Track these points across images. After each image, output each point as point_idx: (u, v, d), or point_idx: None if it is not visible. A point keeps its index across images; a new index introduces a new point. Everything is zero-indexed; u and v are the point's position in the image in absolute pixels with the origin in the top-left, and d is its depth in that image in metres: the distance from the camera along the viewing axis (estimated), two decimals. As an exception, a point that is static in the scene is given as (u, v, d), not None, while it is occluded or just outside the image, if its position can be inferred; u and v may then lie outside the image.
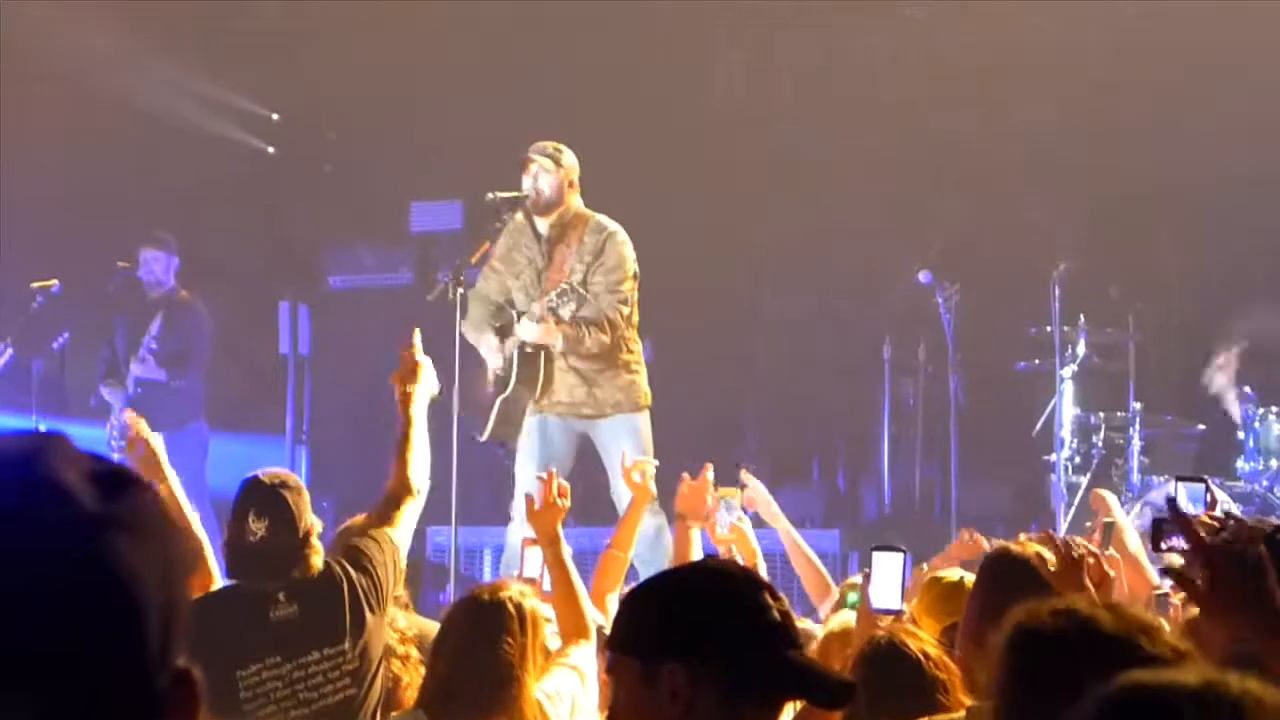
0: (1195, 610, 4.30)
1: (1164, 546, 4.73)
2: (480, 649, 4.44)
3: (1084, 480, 10.30)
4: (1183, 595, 4.94)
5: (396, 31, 12.41)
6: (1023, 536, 4.83)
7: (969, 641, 3.97)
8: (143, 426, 5.66)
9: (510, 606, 4.51)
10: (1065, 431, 10.50)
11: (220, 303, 11.58)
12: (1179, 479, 5.48)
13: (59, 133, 12.30)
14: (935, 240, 11.11)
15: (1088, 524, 6.51)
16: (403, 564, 5.25)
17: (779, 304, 12.51)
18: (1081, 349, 10.58)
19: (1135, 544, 6.27)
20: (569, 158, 8.58)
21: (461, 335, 8.36)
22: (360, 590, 5.00)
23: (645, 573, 5.78)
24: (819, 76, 12.46)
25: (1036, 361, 10.89)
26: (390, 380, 5.50)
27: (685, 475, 6.14)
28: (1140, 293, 11.38)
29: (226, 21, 12.59)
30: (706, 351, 12.05)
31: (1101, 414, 10.58)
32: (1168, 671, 1.63)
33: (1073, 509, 10.02)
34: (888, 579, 4.87)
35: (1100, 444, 10.52)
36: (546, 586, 5.23)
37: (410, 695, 4.94)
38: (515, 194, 8.55)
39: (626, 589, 5.25)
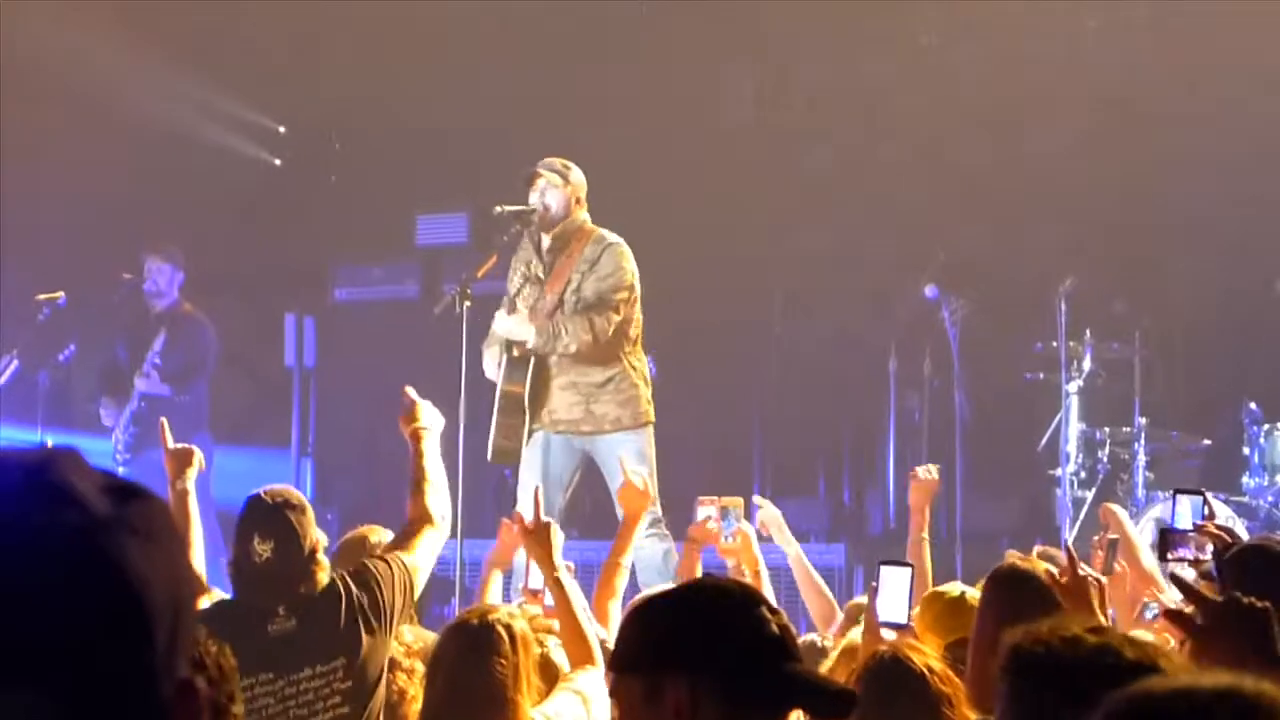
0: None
1: (1170, 557, 4.73)
2: (472, 672, 4.43)
3: (1089, 495, 10.30)
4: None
5: (403, 44, 12.42)
6: (1035, 551, 4.83)
7: (981, 657, 3.96)
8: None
9: (500, 628, 4.49)
10: (1070, 446, 10.50)
11: (226, 315, 11.59)
12: (1178, 491, 5.49)
13: (64, 145, 12.31)
14: (939, 253, 11.11)
15: (1094, 538, 6.49)
16: (417, 590, 5.23)
17: (788, 321, 12.51)
18: (1087, 364, 10.58)
19: (1150, 561, 6.24)
20: (577, 175, 8.58)
21: (466, 350, 8.36)
22: (360, 608, 4.98)
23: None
24: (832, 100, 12.47)
25: (1042, 376, 10.89)
26: (400, 427, 5.53)
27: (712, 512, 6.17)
28: (1146, 308, 11.39)
29: (233, 34, 12.60)
30: (714, 367, 12.05)
31: (1107, 429, 10.57)
32: (1182, 678, 1.58)
33: (1078, 524, 10.02)
34: (895, 593, 4.87)
35: (1105, 459, 10.51)
36: (549, 600, 5.23)
37: (415, 709, 4.93)
38: (523, 207, 8.56)
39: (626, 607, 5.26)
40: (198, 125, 12.71)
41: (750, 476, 11.63)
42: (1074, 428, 10.53)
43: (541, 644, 4.79)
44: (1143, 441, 10.35)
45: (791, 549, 6.70)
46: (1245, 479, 10.09)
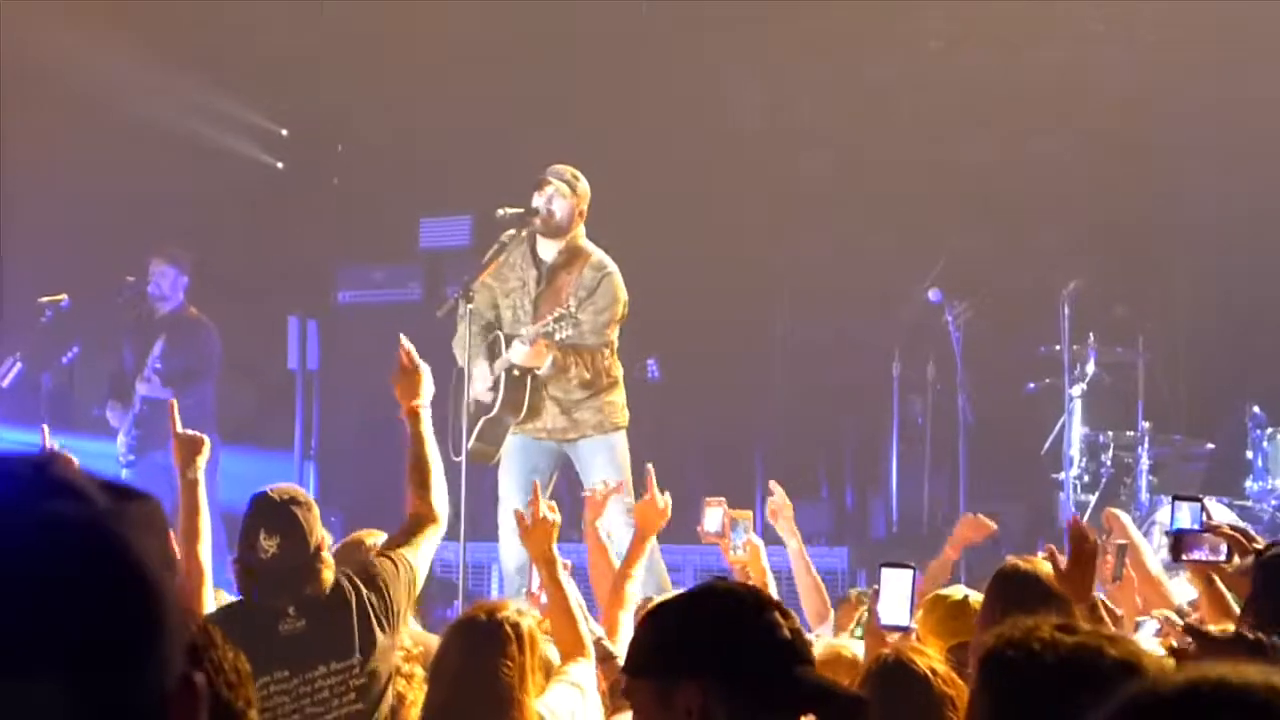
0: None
1: (1185, 558, 4.73)
2: (479, 671, 4.42)
3: (1093, 499, 10.29)
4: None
5: (406, 47, 12.42)
6: (1040, 555, 4.82)
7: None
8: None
9: (508, 626, 4.49)
10: (1074, 450, 10.49)
11: (229, 317, 11.59)
12: (1176, 498, 5.49)
13: (68, 148, 12.32)
14: (942, 256, 11.10)
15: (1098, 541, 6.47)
16: (418, 587, 5.24)
17: (791, 325, 12.51)
18: (1091, 368, 10.58)
19: (1156, 566, 6.23)
20: (584, 186, 8.63)
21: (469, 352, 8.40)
22: (371, 607, 4.99)
23: (642, 592, 5.80)
24: (836, 103, 12.47)
25: (1046, 380, 10.88)
26: (394, 392, 5.50)
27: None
28: (1150, 312, 11.38)
29: (236, 37, 12.60)
30: (717, 370, 12.05)
31: (1110, 433, 10.57)
32: (1189, 673, 1.44)
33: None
34: (897, 595, 4.85)
35: (1109, 463, 10.51)
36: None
37: (415, 714, 4.93)
38: (523, 209, 8.59)
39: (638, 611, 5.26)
40: (201, 128, 12.71)
41: (753, 479, 11.61)
42: (1077, 432, 10.53)
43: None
44: (1146, 445, 10.34)
45: (793, 542, 6.76)
46: (1249, 483, 10.08)
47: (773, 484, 6.95)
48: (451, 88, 12.55)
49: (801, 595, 6.71)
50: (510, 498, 8.50)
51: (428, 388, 5.52)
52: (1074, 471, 10.45)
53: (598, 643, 4.94)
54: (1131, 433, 10.50)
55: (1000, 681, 2.78)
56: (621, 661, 4.83)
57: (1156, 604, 6.00)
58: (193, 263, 11.25)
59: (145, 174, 12.49)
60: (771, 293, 12.50)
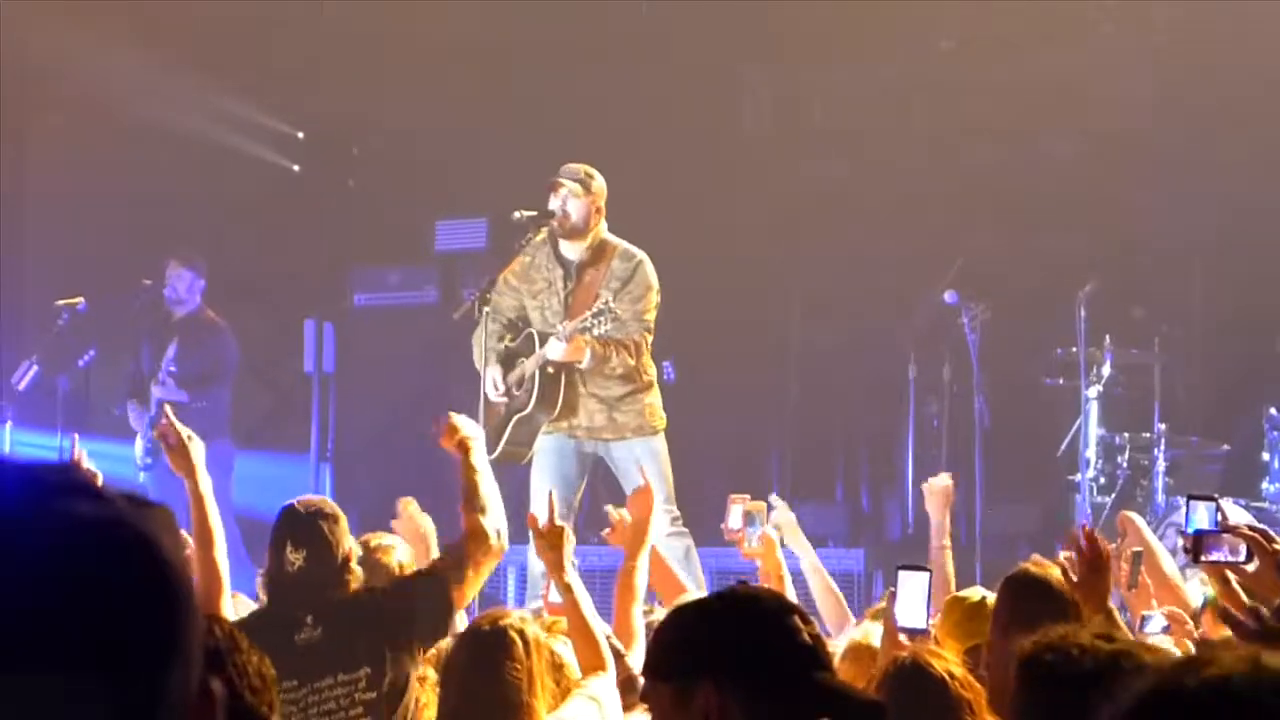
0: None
1: (1203, 559, 4.71)
2: (486, 678, 4.43)
3: (1109, 501, 10.28)
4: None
5: (421, 50, 12.43)
6: (1063, 555, 4.81)
7: (998, 661, 3.96)
8: (177, 424, 5.68)
9: (512, 633, 4.49)
10: (1090, 452, 10.48)
11: (245, 320, 11.61)
12: (1190, 497, 5.46)
13: (85, 152, 12.36)
14: (958, 258, 11.08)
15: (1111, 546, 6.44)
16: (457, 610, 5.22)
17: (807, 328, 12.50)
18: (1107, 370, 10.56)
19: (1171, 569, 6.20)
20: (599, 183, 8.59)
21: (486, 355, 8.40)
22: (391, 621, 4.99)
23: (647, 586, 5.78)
24: (849, 106, 12.46)
25: (1061, 381, 10.87)
26: (443, 444, 5.51)
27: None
28: (1165, 313, 11.36)
29: (252, 41, 12.62)
30: (733, 373, 12.05)
31: (1126, 435, 10.55)
32: (1213, 664, 1.39)
33: (1098, 530, 9.97)
34: (913, 598, 4.84)
35: (1125, 464, 10.49)
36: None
37: (429, 716, 4.93)
38: (541, 212, 8.58)
39: (652, 613, 5.25)
40: (217, 131, 12.74)
41: (768, 480, 11.61)
42: (1093, 433, 10.51)
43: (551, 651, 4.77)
44: (1162, 447, 10.33)
45: (806, 557, 6.62)
46: (1265, 484, 10.06)
47: (774, 498, 6.76)
48: (467, 90, 12.55)
49: (820, 606, 6.60)
50: (542, 499, 8.34)
51: (472, 428, 5.54)
52: (1090, 473, 10.44)
53: (616, 653, 4.92)
54: (1148, 434, 10.48)
55: (1041, 684, 2.79)
56: (629, 658, 4.84)
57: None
58: (209, 266, 11.27)
59: (162, 177, 12.53)
60: (786, 295, 12.50)
